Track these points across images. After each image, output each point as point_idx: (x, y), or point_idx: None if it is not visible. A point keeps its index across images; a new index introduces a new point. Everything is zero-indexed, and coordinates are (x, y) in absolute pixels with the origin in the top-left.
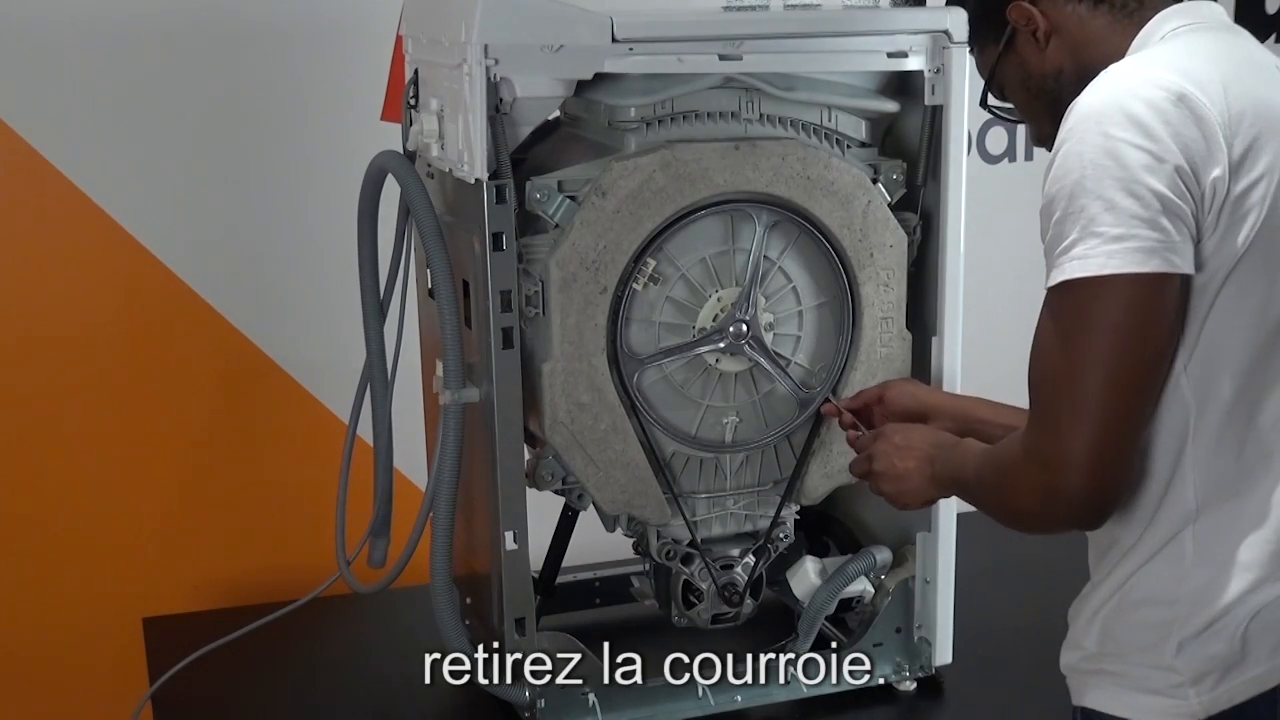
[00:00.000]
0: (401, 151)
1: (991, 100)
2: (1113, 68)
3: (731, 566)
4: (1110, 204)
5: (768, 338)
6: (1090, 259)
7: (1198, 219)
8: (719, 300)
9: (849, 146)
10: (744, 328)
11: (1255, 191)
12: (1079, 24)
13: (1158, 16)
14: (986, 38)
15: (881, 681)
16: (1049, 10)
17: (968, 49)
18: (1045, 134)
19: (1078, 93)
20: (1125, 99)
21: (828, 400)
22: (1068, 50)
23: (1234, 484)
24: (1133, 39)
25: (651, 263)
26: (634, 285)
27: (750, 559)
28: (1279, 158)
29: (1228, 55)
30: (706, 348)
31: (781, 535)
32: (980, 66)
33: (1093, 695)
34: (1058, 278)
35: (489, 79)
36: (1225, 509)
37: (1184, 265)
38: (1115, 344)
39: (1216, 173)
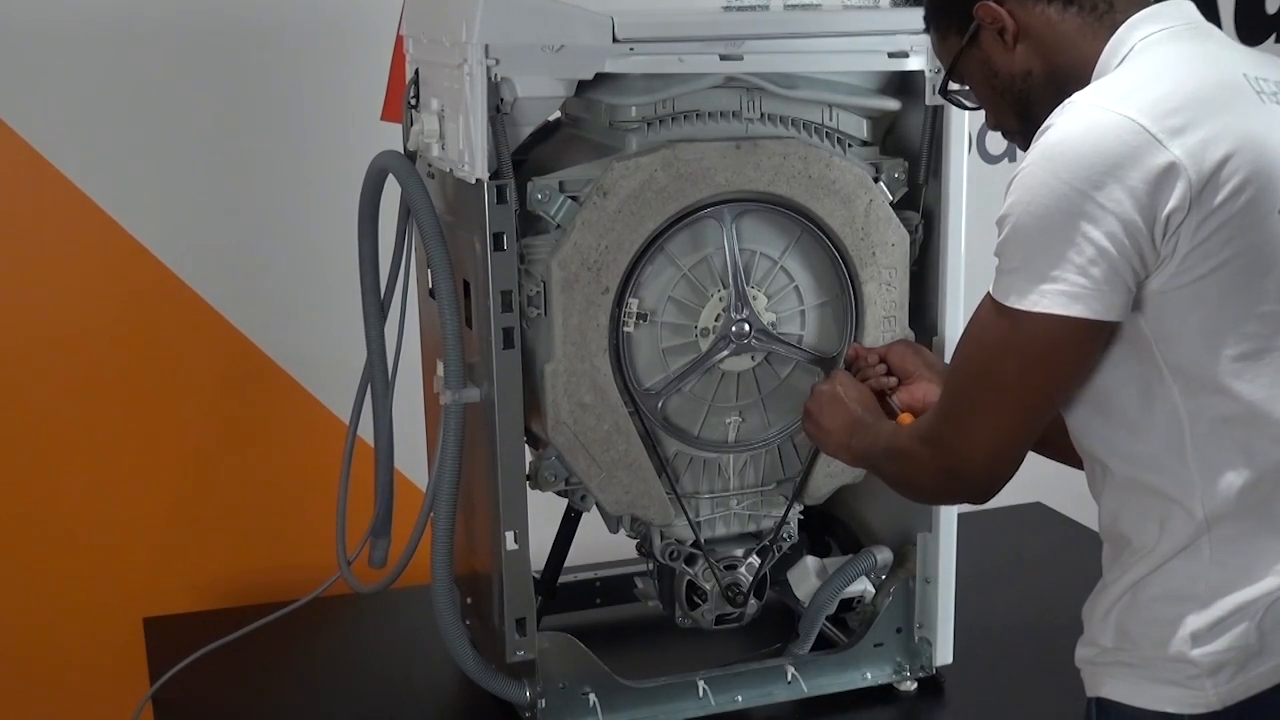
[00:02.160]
0: (402, 151)
1: (950, 86)
2: (1078, 98)
3: (735, 567)
4: (1048, 246)
5: None
6: (1025, 293)
7: (1144, 259)
8: (720, 300)
9: (850, 145)
10: (745, 327)
11: (1227, 208)
12: (1049, 27)
13: (1128, 22)
14: (948, 28)
15: (882, 681)
16: (1017, 11)
17: (923, 28)
18: (1010, 128)
19: (1048, 93)
20: (1081, 142)
21: (851, 347)
22: (1037, 53)
23: (1246, 494)
24: (1104, 43)
25: (634, 302)
26: (624, 329)
27: (754, 559)
28: (1253, 174)
29: (1195, 72)
30: (716, 357)
31: (785, 535)
32: (939, 53)
33: (1109, 686)
34: (995, 294)
35: (490, 79)
36: (1241, 519)
37: (1106, 314)
38: (1028, 373)
39: (1173, 204)
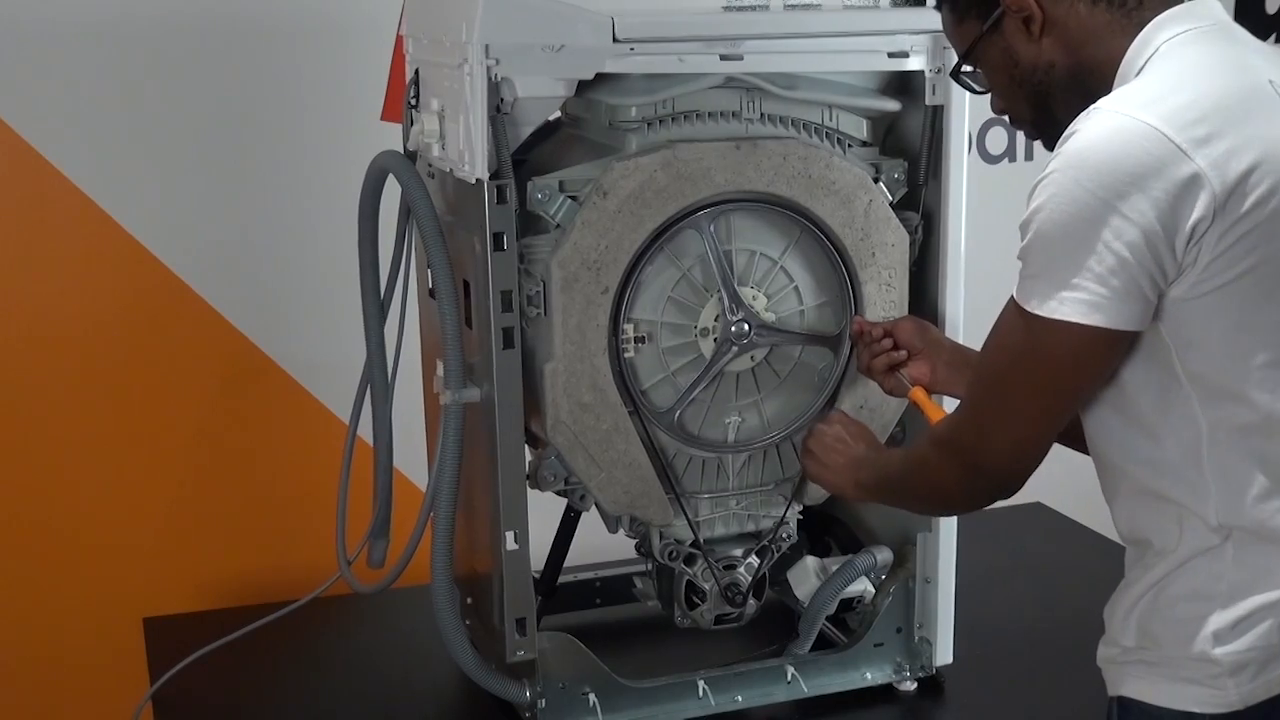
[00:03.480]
0: (402, 151)
1: (962, 69)
2: (1104, 104)
3: (734, 567)
4: (1069, 253)
5: None
6: (1045, 298)
7: (1164, 269)
8: (720, 300)
9: (850, 146)
10: (745, 327)
11: (1252, 217)
12: (1078, 21)
13: (1155, 21)
14: (968, 11)
15: (882, 682)
16: (1045, 2)
17: (934, 4)
18: (1022, 118)
19: (1067, 87)
20: (1105, 150)
21: (856, 320)
22: (1063, 46)
23: (1262, 502)
24: (1131, 40)
25: (629, 327)
26: (625, 355)
27: (753, 559)
28: (1278, 183)
29: (1219, 79)
30: (722, 362)
31: (784, 535)
32: (953, 36)
33: (1130, 684)
34: (1018, 298)
35: (490, 79)
36: (1259, 525)
37: (1125, 323)
38: (1048, 376)
39: (1198, 215)
